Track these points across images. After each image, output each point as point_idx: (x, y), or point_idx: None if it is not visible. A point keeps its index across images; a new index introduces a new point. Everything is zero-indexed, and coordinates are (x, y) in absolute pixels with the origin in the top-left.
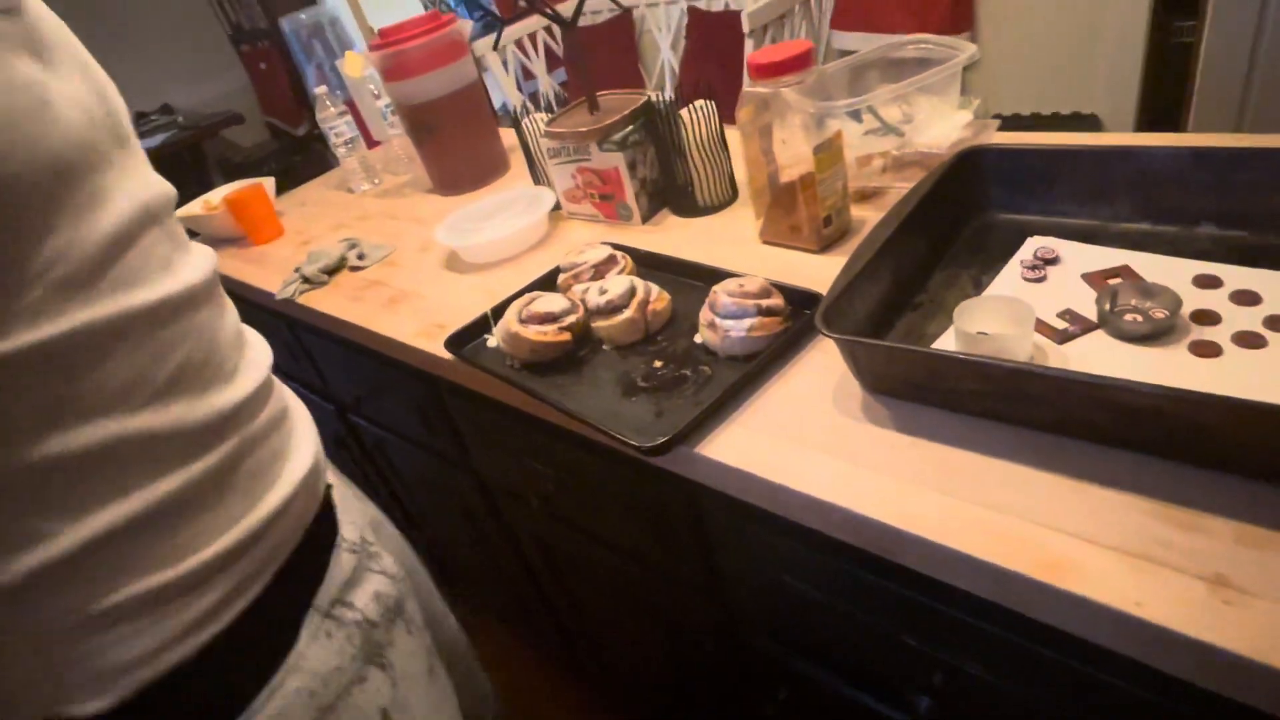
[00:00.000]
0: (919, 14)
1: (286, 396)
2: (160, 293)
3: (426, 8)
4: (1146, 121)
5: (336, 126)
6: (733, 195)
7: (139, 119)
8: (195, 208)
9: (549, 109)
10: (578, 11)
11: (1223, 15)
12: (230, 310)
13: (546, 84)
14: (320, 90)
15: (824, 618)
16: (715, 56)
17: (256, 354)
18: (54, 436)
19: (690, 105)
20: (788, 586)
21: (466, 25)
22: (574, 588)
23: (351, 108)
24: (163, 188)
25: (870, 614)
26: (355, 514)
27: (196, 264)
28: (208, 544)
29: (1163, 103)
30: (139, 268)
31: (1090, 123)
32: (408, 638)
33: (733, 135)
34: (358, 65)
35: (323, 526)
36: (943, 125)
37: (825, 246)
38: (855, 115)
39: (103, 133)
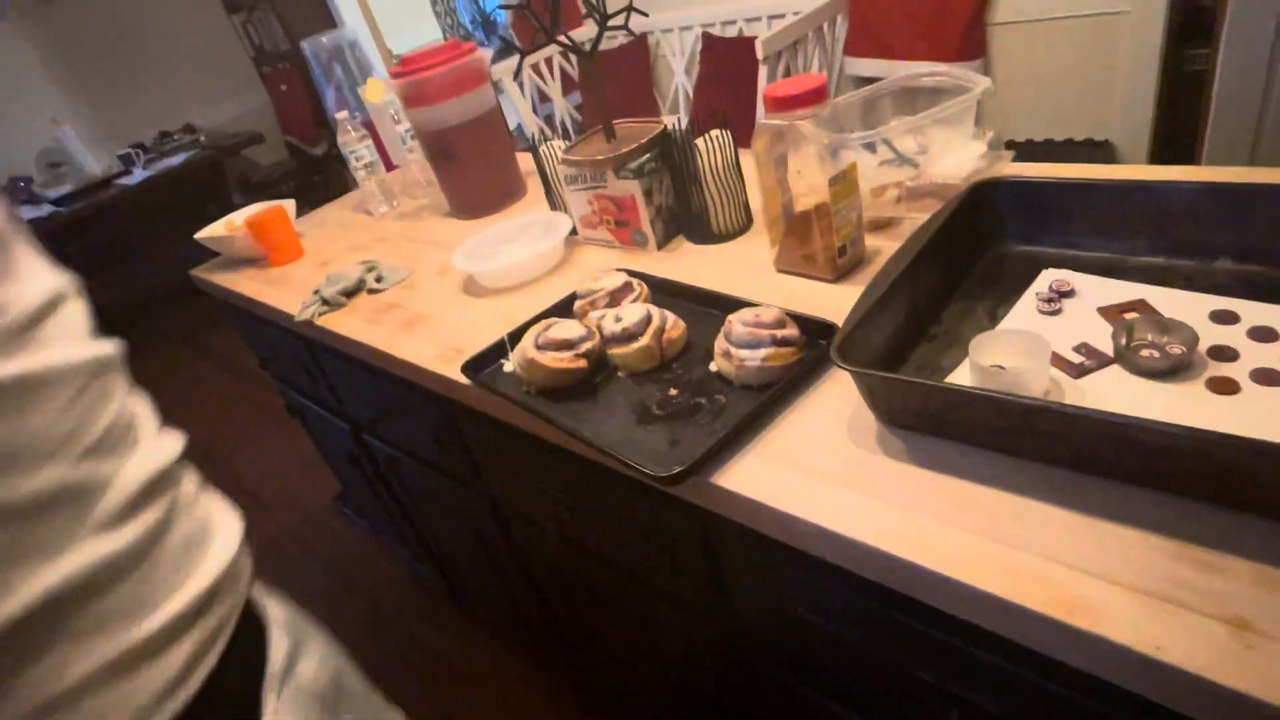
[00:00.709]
0: (932, 41)
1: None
2: (84, 354)
3: (444, 31)
4: (1161, 149)
5: (357, 150)
6: (747, 223)
7: (163, 138)
8: (218, 229)
9: (564, 134)
10: (596, 43)
11: (1236, 43)
12: (144, 396)
13: (562, 108)
14: (341, 115)
15: (837, 650)
16: (729, 81)
17: (171, 434)
18: (10, 478)
19: (706, 134)
20: (801, 618)
21: (487, 54)
22: (583, 611)
23: (371, 130)
24: (65, 279)
25: (884, 647)
26: (272, 603)
27: (107, 342)
28: (158, 607)
29: (1177, 130)
30: (62, 334)
31: (1104, 150)
32: (354, 708)
33: (747, 162)
34: (379, 91)
35: (256, 605)
36: (957, 156)
37: (840, 276)
38: (870, 146)
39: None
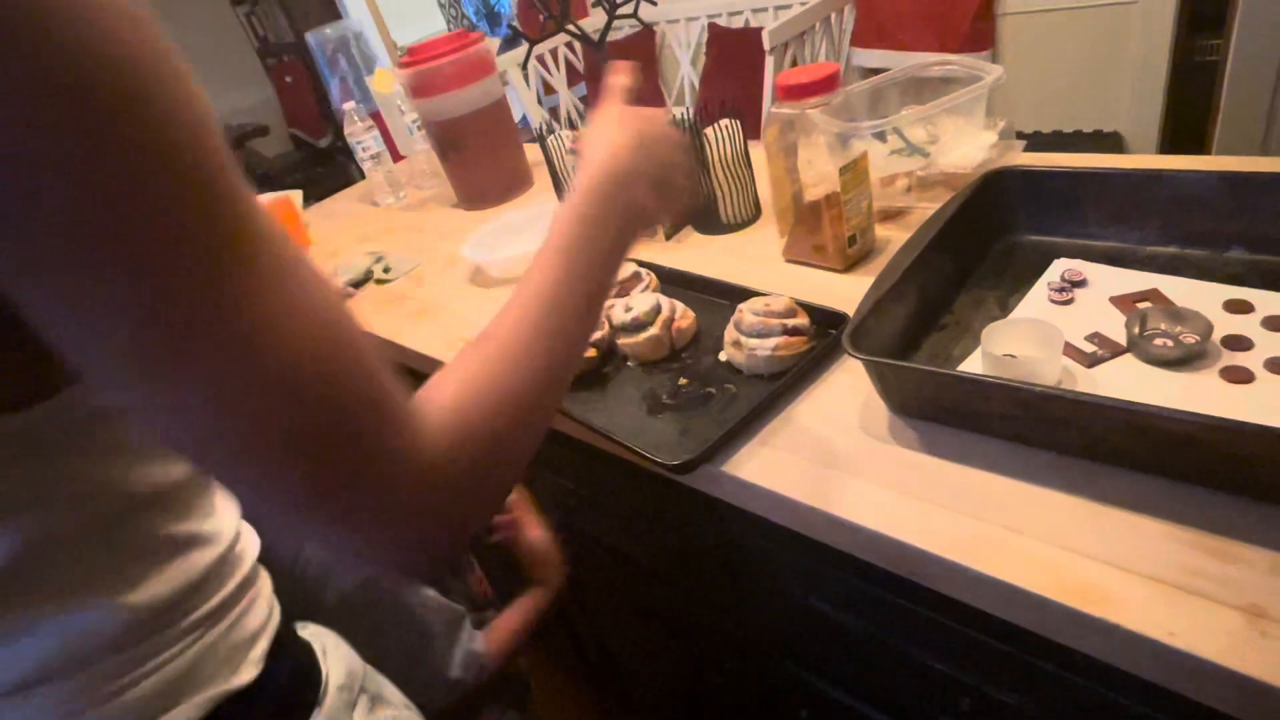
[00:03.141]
0: (940, 31)
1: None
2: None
3: (448, 22)
4: (1170, 140)
5: (364, 141)
6: (756, 213)
7: None
8: None
9: (570, 125)
10: (605, 32)
11: (1248, 33)
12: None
13: (567, 99)
14: (348, 106)
15: (849, 639)
16: (735, 72)
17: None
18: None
19: (715, 124)
20: (813, 607)
21: (494, 44)
22: (588, 601)
23: (378, 121)
24: None
25: (897, 637)
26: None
27: None
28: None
29: (1187, 121)
30: None
31: (1112, 141)
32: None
33: (756, 153)
34: (387, 82)
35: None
36: (968, 146)
37: (850, 266)
38: (880, 135)
39: None
